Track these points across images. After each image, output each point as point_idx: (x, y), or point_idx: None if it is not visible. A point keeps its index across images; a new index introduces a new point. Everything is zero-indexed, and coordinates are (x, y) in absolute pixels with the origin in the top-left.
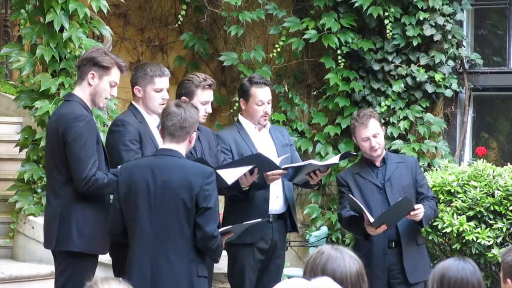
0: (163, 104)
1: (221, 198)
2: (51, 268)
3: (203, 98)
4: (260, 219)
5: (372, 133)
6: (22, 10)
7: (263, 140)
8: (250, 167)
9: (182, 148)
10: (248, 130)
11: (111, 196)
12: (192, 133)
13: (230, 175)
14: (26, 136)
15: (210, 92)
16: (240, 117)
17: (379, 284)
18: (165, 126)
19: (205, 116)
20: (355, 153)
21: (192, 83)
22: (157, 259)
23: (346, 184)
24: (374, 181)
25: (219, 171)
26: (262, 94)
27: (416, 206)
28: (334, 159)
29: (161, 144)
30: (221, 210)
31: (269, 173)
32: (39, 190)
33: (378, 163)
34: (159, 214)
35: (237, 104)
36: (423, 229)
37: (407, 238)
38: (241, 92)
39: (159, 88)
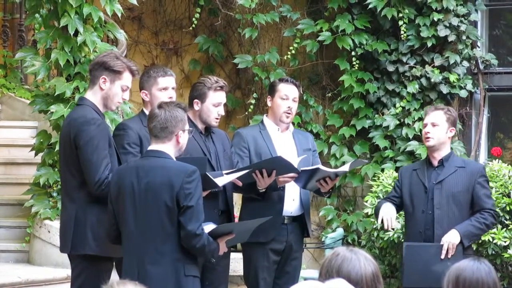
0: None
1: (238, 200)
2: (67, 272)
3: (215, 100)
4: (264, 218)
5: (431, 121)
6: (37, 15)
7: (285, 142)
8: (244, 172)
9: (168, 148)
10: (270, 131)
11: None
12: (178, 132)
13: (221, 178)
14: (41, 140)
15: (222, 93)
16: (265, 118)
17: None
18: (149, 128)
19: (217, 118)
20: (366, 161)
21: (204, 85)
22: (143, 260)
23: (400, 179)
24: (424, 180)
25: (209, 173)
26: (287, 89)
27: (444, 241)
28: (344, 167)
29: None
30: (237, 213)
31: (280, 176)
32: (54, 194)
33: (435, 163)
34: (142, 215)
35: (251, 107)
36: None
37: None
38: (269, 89)
39: (162, 87)
